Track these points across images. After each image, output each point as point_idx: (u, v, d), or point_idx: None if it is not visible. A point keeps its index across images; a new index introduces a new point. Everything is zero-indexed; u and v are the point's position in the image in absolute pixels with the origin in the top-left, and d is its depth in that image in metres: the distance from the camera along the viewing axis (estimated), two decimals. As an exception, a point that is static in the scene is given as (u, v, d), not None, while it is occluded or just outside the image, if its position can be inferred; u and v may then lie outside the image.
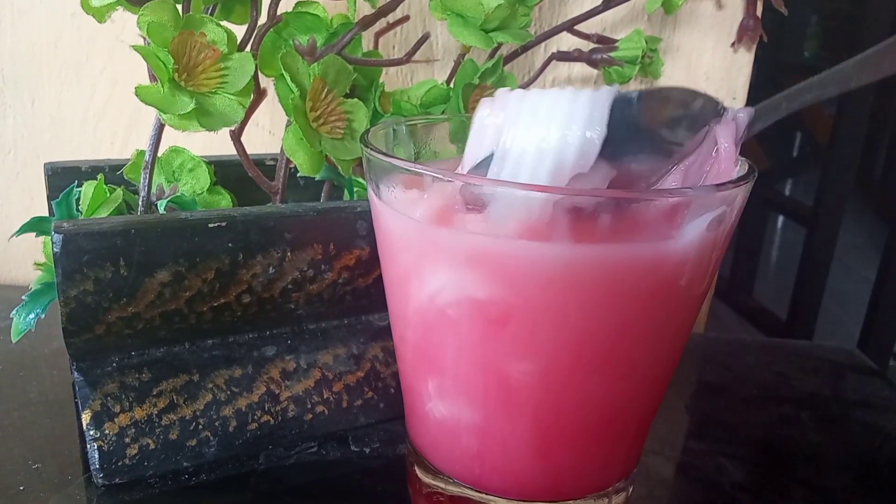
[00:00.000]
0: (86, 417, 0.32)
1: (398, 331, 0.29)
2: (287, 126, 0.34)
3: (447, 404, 0.27)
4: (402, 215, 0.25)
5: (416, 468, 0.31)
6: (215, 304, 0.32)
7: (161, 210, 0.33)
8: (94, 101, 0.52)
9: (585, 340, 0.24)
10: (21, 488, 0.31)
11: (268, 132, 0.53)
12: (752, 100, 0.51)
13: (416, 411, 0.30)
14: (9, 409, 0.37)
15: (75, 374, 0.32)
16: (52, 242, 0.28)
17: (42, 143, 0.53)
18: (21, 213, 0.55)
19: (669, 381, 0.28)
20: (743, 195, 0.25)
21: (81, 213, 0.34)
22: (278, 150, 0.37)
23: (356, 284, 0.35)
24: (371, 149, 0.26)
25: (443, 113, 0.40)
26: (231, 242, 0.31)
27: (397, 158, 0.24)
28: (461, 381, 0.26)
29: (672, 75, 0.51)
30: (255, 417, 0.34)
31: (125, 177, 0.37)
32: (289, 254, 0.32)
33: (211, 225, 0.31)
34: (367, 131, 0.29)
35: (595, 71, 0.50)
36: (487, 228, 0.23)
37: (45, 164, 0.38)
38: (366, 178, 0.28)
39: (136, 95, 0.32)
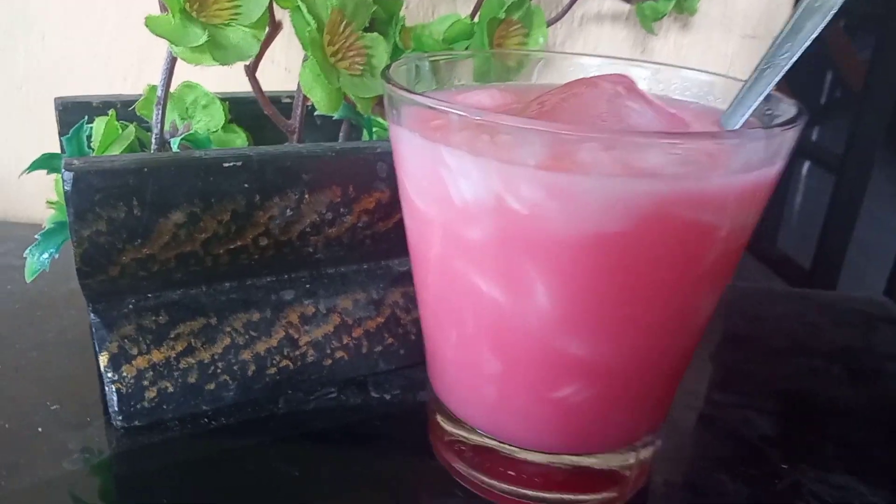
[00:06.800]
0: (103, 359, 0.31)
1: (420, 275, 0.28)
2: (304, 61, 0.32)
3: (468, 351, 0.27)
4: (426, 151, 0.24)
5: (437, 416, 0.31)
6: (232, 247, 0.31)
7: (174, 148, 0.32)
8: (105, 34, 0.51)
9: (619, 285, 0.23)
10: (39, 429, 0.31)
11: (284, 69, 0.51)
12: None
13: (438, 358, 0.29)
14: (26, 349, 0.37)
15: (92, 315, 0.32)
16: (63, 180, 0.27)
17: (53, 78, 0.52)
18: (33, 149, 0.54)
19: (702, 333, 0.27)
20: (792, 139, 0.23)
21: (93, 151, 0.33)
22: (294, 88, 0.35)
23: (376, 228, 0.34)
24: (393, 84, 0.24)
25: (466, 49, 0.38)
26: (247, 183, 0.30)
27: (421, 95, 0.23)
28: (483, 327, 0.26)
29: (708, 12, 0.48)
30: (274, 362, 0.34)
31: (137, 113, 0.36)
32: (307, 196, 0.31)
33: (226, 164, 0.29)
34: (389, 67, 0.27)
35: (626, 6, 0.48)
36: (520, 159, 0.21)
37: (55, 98, 0.37)
38: (387, 115, 0.27)
39: (146, 26, 0.30)
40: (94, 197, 0.27)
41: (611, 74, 0.28)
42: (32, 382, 0.34)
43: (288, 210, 0.31)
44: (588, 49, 0.49)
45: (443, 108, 0.22)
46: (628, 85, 0.27)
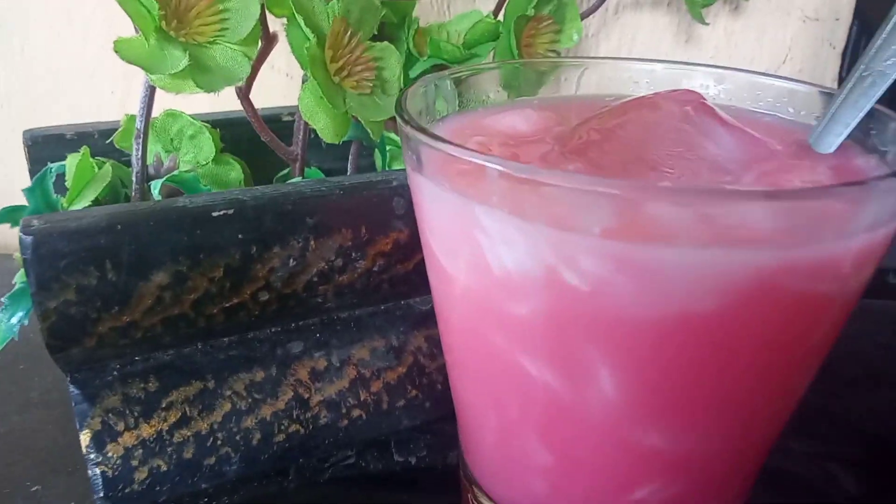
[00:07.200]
0: (85, 438, 0.27)
1: (449, 345, 0.24)
2: (303, 83, 0.28)
3: (511, 438, 0.22)
4: (455, 208, 0.19)
5: (473, 489, 0.26)
6: (227, 306, 0.27)
7: (155, 192, 0.27)
8: (89, 45, 0.46)
9: (708, 369, 0.18)
10: (17, 521, 0.27)
11: (284, 75, 0.46)
12: (858, 23, 0.43)
13: (472, 438, 0.25)
14: (7, 413, 0.33)
15: (70, 386, 0.27)
16: (21, 245, 0.23)
17: (37, 94, 0.48)
18: (22, 171, 0.50)
19: (800, 402, 0.22)
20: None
21: (65, 197, 0.29)
22: (297, 98, 0.30)
23: (394, 272, 0.29)
24: (411, 125, 0.19)
25: (492, 52, 0.33)
26: (241, 233, 0.25)
27: (452, 144, 0.18)
28: (530, 414, 0.21)
29: (762, -8, 0.43)
30: (283, 427, 0.30)
31: (116, 146, 0.31)
32: (312, 242, 0.27)
33: (215, 213, 0.25)
34: (404, 95, 0.22)
35: (668, -9, 0.42)
36: (580, 225, 0.17)
37: (24, 131, 0.32)
38: (404, 159, 0.22)
39: (116, 52, 0.26)
40: (59, 263, 0.23)
41: (674, 91, 0.23)
42: (12, 456, 0.30)
43: (291, 260, 0.27)
44: (625, 40, 0.43)
45: (477, 159, 0.17)
46: (697, 104, 0.22)
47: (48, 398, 0.34)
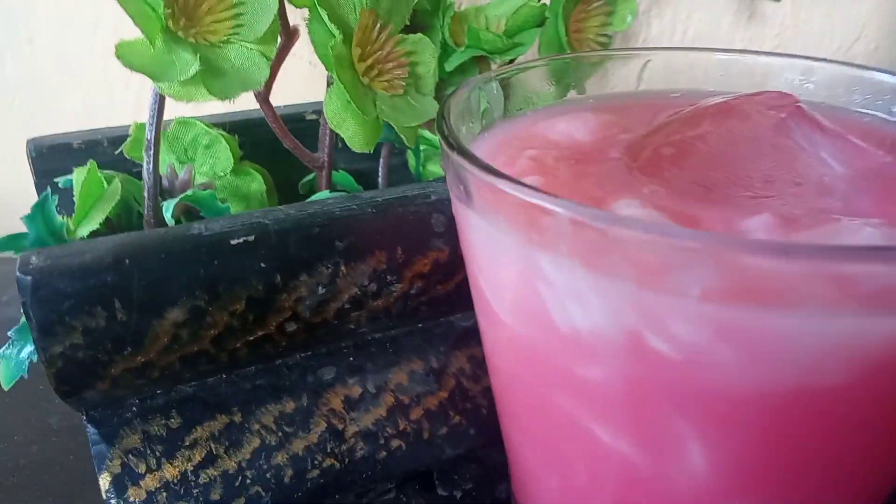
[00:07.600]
0: (104, 482, 0.25)
1: (502, 395, 0.21)
2: (328, 86, 0.25)
3: (575, 501, 0.19)
4: (513, 252, 0.16)
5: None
6: (251, 339, 0.24)
7: (168, 216, 0.24)
8: (99, 33, 0.44)
9: (822, 447, 0.15)
10: (34, 573, 0.25)
11: (307, 63, 0.43)
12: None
13: (528, 489, 0.22)
14: (27, 443, 0.31)
15: (87, 425, 0.25)
16: (19, 287, 0.20)
17: (47, 87, 0.45)
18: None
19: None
20: None
21: (74, 213, 0.26)
22: (319, 89, 0.28)
23: (433, 293, 0.27)
24: (460, 153, 0.16)
25: (539, 40, 0.30)
26: (264, 262, 0.23)
27: (514, 182, 0.15)
28: (600, 482, 0.18)
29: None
30: (316, 462, 0.27)
31: (127, 156, 0.28)
32: (343, 268, 0.24)
33: (234, 241, 0.22)
34: (446, 108, 0.19)
35: (729, -40, 0.38)
36: (675, 286, 0.14)
37: (28, 140, 0.30)
38: (449, 186, 0.19)
39: (118, 58, 0.23)
40: (62, 305, 0.21)
41: (762, 94, 0.20)
42: (32, 492, 0.28)
43: (320, 288, 0.24)
44: (680, 18, 0.39)
45: (544, 202, 0.14)
46: (792, 109, 0.19)
47: (69, 423, 0.32)
